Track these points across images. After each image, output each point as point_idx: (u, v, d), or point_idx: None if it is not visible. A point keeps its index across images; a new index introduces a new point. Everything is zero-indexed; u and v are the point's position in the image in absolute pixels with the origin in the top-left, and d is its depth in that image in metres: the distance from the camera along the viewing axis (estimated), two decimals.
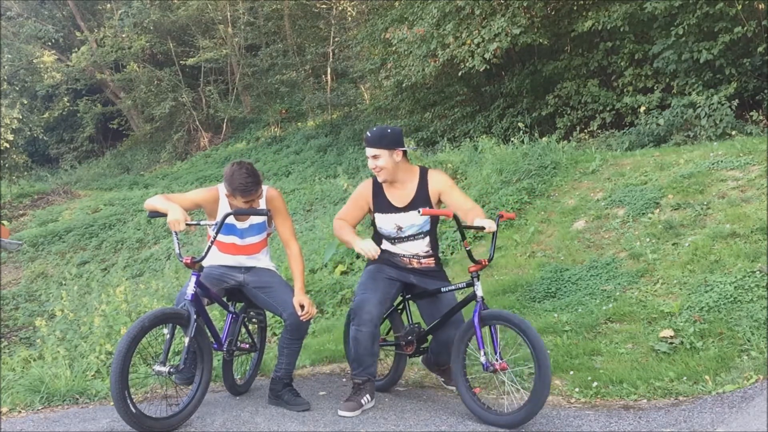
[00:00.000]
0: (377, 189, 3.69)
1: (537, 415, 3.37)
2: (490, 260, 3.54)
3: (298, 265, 3.71)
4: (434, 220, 3.71)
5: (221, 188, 3.62)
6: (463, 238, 3.52)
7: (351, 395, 3.59)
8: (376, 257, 3.51)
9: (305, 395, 3.77)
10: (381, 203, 3.67)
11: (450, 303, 3.63)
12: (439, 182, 3.67)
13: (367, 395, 3.56)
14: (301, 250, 3.81)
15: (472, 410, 3.38)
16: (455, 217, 3.47)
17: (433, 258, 3.77)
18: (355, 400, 3.53)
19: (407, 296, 3.86)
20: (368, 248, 3.47)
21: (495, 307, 4.98)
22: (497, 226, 3.43)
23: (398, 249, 3.73)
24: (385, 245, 3.74)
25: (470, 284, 3.53)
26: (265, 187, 3.70)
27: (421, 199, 3.62)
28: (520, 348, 3.55)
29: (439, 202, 3.71)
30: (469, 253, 3.52)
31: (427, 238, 3.72)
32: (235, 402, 3.75)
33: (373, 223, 3.81)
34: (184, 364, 3.20)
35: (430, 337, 3.88)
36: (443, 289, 3.65)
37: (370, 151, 3.59)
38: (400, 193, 3.65)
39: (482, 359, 3.32)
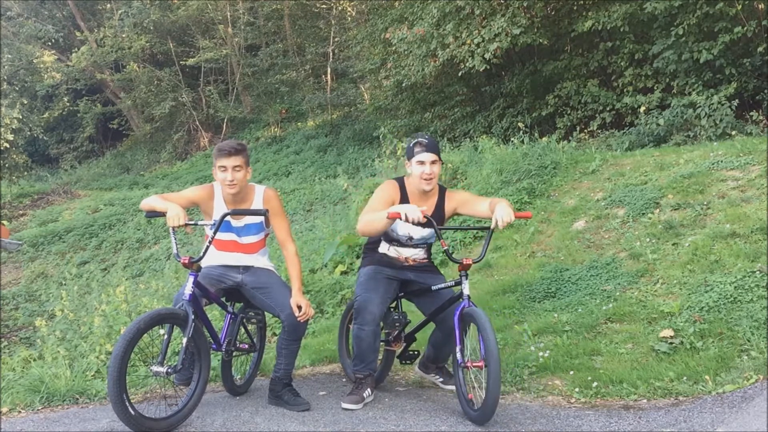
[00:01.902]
0: (404, 195, 3.74)
1: (537, 416, 3.38)
2: (479, 260, 3.62)
3: (295, 266, 3.71)
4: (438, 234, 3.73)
5: (217, 185, 3.63)
6: (439, 238, 3.59)
7: (353, 389, 3.69)
8: (425, 219, 3.37)
9: (305, 395, 3.77)
10: None
11: (447, 295, 3.70)
12: (454, 201, 3.78)
13: (368, 389, 3.68)
14: (297, 251, 3.81)
15: (460, 403, 3.44)
16: (434, 221, 3.51)
17: (426, 259, 3.90)
18: (357, 394, 3.64)
19: (400, 294, 3.91)
20: (413, 210, 3.35)
21: (495, 306, 5.02)
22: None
23: (395, 252, 3.80)
24: (383, 248, 3.80)
25: (458, 282, 3.60)
26: (262, 187, 3.70)
27: (437, 218, 3.67)
28: None
29: (453, 215, 3.84)
30: (446, 252, 3.59)
31: (427, 247, 3.88)
32: (235, 402, 3.76)
33: None
34: (181, 365, 3.19)
35: (418, 338, 3.96)
36: (433, 287, 3.72)
37: (429, 156, 3.60)
38: (421, 206, 3.62)
39: (457, 355, 3.40)
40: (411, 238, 3.75)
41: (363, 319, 3.58)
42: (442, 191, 3.80)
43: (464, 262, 3.54)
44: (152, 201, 3.45)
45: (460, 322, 3.44)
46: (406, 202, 3.67)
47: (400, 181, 3.78)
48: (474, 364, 3.34)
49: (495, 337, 3.21)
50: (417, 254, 3.82)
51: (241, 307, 3.83)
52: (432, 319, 3.76)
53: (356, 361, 3.68)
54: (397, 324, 3.83)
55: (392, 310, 3.94)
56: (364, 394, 3.65)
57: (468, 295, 3.50)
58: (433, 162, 3.61)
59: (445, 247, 3.58)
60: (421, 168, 3.62)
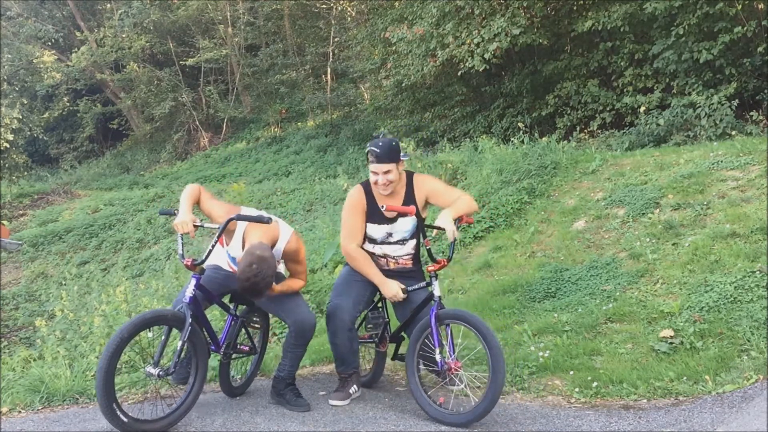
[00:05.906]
0: (369, 198, 3.67)
1: (537, 416, 3.37)
2: (449, 260, 3.61)
3: (295, 284, 3.66)
4: (419, 225, 3.68)
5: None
6: (424, 237, 3.58)
7: (339, 387, 3.78)
8: (403, 297, 3.65)
9: (305, 395, 3.77)
10: (374, 214, 3.67)
11: (419, 301, 3.67)
12: (424, 186, 3.70)
13: (354, 386, 3.76)
14: (304, 285, 3.77)
15: (422, 406, 3.41)
16: (417, 215, 3.55)
17: (411, 259, 3.82)
18: (343, 391, 3.73)
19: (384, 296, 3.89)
20: (395, 292, 3.63)
21: (495, 306, 5.02)
22: (456, 228, 3.47)
23: (380, 251, 3.77)
24: (368, 246, 3.77)
25: (430, 284, 3.59)
26: (289, 230, 3.58)
27: (409, 205, 3.63)
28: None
29: (426, 204, 3.75)
30: (428, 252, 3.58)
31: (413, 241, 3.79)
32: (235, 402, 3.76)
33: None
34: (174, 367, 3.19)
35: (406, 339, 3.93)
36: (408, 288, 3.70)
37: (382, 167, 3.50)
38: (390, 202, 3.64)
39: (437, 357, 3.38)
40: (390, 235, 3.71)
41: (334, 326, 3.65)
42: (410, 178, 3.69)
43: (441, 263, 3.55)
44: (184, 198, 3.40)
45: (437, 323, 3.41)
46: (373, 205, 3.65)
47: (365, 185, 3.69)
48: (456, 365, 3.35)
49: (496, 337, 3.22)
50: (405, 252, 3.75)
51: (243, 310, 3.82)
52: (412, 318, 3.71)
53: (337, 363, 3.77)
54: (377, 324, 3.84)
55: (380, 309, 3.95)
56: (350, 391, 3.74)
57: (439, 296, 3.50)
58: (386, 172, 3.51)
59: (428, 246, 3.56)
60: (374, 177, 3.57)
